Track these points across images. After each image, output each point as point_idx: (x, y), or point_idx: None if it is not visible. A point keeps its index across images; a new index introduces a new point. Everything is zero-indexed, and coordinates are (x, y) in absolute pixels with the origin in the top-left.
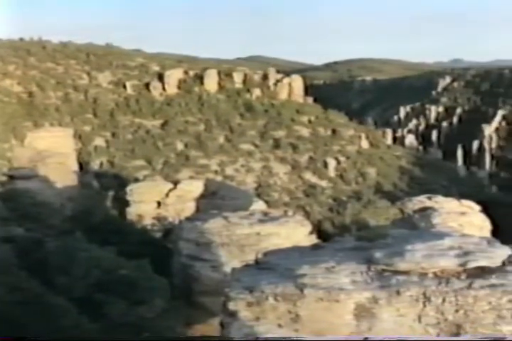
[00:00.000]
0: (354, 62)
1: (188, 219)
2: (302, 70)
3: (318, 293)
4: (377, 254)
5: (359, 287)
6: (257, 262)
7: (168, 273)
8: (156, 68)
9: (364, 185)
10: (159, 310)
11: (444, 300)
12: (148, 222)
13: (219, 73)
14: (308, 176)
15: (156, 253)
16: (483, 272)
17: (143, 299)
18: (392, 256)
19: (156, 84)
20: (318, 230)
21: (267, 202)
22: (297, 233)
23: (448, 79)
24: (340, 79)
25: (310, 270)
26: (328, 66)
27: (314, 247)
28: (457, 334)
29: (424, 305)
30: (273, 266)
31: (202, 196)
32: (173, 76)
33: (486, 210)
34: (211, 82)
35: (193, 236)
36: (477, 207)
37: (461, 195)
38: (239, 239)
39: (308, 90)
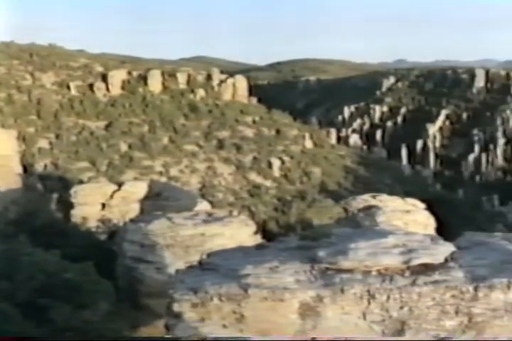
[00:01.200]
0: (298, 63)
1: (132, 220)
2: (246, 71)
3: (262, 293)
4: (321, 253)
5: (303, 286)
6: (200, 263)
7: (113, 276)
8: (100, 69)
9: (308, 184)
10: (104, 314)
11: (388, 298)
12: (92, 224)
13: (163, 74)
14: (253, 176)
15: (101, 255)
16: (426, 269)
17: (87, 303)
18: (335, 255)
19: (99, 85)
20: (263, 230)
21: (211, 202)
22: (241, 233)
23: (392, 79)
24: (284, 79)
25: (254, 270)
26: (271, 66)
27: (258, 247)
28: (402, 331)
29: (369, 303)
30: (217, 267)
31: (146, 197)
32: (117, 77)
33: (431, 208)
34: (155, 82)
35: (137, 237)
36: (421, 205)
37: (405, 194)
38: (183, 240)
39: (252, 90)
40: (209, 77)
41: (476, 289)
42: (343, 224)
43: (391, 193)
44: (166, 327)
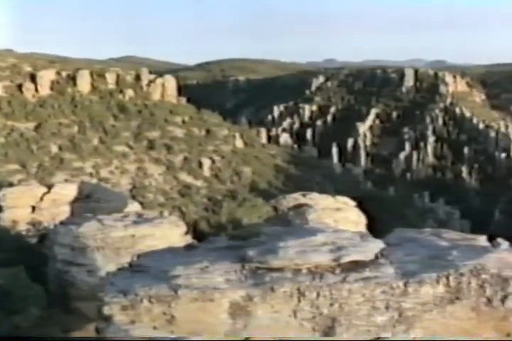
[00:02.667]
0: (227, 62)
1: (62, 223)
2: (175, 70)
3: (192, 294)
4: (251, 252)
5: (233, 286)
6: (130, 265)
7: (44, 280)
8: (28, 69)
9: (239, 184)
10: (35, 319)
11: (318, 295)
12: (22, 227)
13: (91, 74)
14: (183, 176)
15: (32, 259)
16: (357, 266)
17: (18, 308)
18: (265, 254)
19: (28, 86)
20: (194, 230)
21: (142, 203)
22: (172, 234)
23: (321, 79)
24: (213, 79)
25: (184, 271)
26: (200, 66)
27: (188, 248)
28: (332, 327)
29: (299, 301)
30: (147, 268)
31: (77, 199)
32: (46, 77)
33: (362, 206)
34: (84, 82)
35: (68, 240)
36: (352, 203)
37: (336, 192)
38: (114, 242)
39: (181, 90)
40: (138, 77)
41: (406, 284)
42: (273, 223)
43: (322, 191)
44: (97, 330)
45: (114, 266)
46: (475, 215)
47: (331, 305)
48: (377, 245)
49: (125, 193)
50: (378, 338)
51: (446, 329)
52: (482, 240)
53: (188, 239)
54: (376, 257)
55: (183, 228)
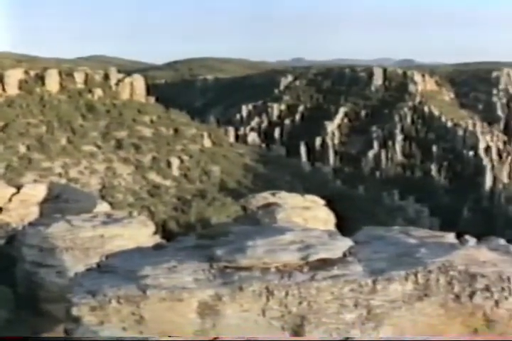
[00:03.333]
0: (195, 61)
1: (31, 224)
2: (143, 70)
3: (161, 294)
4: (219, 252)
5: (202, 285)
6: (99, 265)
7: (12, 282)
8: None
9: (208, 183)
10: (3, 321)
11: (287, 294)
12: None
13: (60, 73)
14: (152, 176)
15: (0, 261)
16: (325, 264)
17: None
18: (233, 253)
19: None
20: (164, 230)
21: (111, 203)
22: (141, 234)
23: (290, 78)
24: (181, 78)
25: (152, 271)
26: (169, 65)
27: (156, 247)
28: (301, 326)
29: (268, 300)
30: (115, 269)
31: (46, 200)
32: (13, 76)
33: (331, 204)
34: (52, 82)
35: (36, 241)
36: (321, 202)
37: (305, 190)
38: (83, 243)
39: (149, 90)
40: (106, 77)
41: (374, 282)
42: (242, 222)
43: (291, 190)
44: (66, 331)
45: (83, 266)
46: (444, 213)
47: (300, 303)
48: (345, 243)
49: (94, 193)
50: (347, 338)
51: (415, 325)
52: (450, 237)
53: (157, 239)
54: (344, 255)
55: (152, 228)
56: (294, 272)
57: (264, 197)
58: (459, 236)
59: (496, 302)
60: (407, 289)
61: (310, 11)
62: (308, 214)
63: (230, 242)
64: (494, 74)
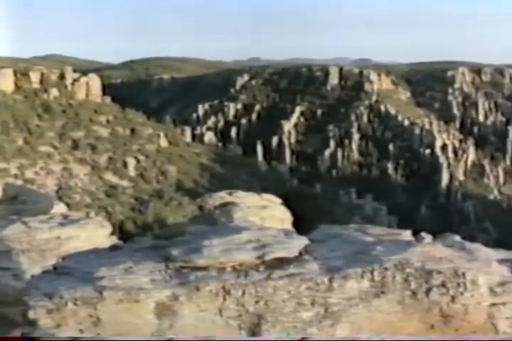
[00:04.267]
0: (151, 61)
1: None
2: (99, 69)
3: (117, 295)
4: (175, 252)
5: (158, 286)
6: (55, 267)
7: None
8: None
9: (165, 183)
10: None
11: (243, 293)
12: None
13: (15, 73)
14: (109, 176)
15: None
16: (281, 263)
17: None
18: (189, 253)
19: None
20: (121, 230)
21: (68, 204)
22: (98, 235)
23: (246, 77)
24: (137, 77)
25: (108, 272)
26: (125, 65)
27: (112, 248)
28: (258, 325)
29: (225, 299)
30: (71, 271)
31: (1, 201)
32: None
33: (288, 203)
34: (7, 81)
35: None
36: (278, 200)
37: (262, 189)
38: (39, 245)
39: (105, 89)
40: (62, 76)
41: (331, 280)
42: (199, 221)
43: (248, 189)
44: (22, 335)
45: (39, 269)
46: (401, 211)
47: (257, 302)
48: (301, 242)
49: (51, 194)
50: (303, 338)
51: (372, 322)
52: (407, 235)
53: (114, 240)
54: (300, 254)
55: (109, 229)
56: (250, 271)
57: (221, 196)
58: (415, 233)
59: (452, 298)
60: (363, 286)
61: (266, 10)
62: (265, 213)
63: (186, 242)
64: (449, 73)
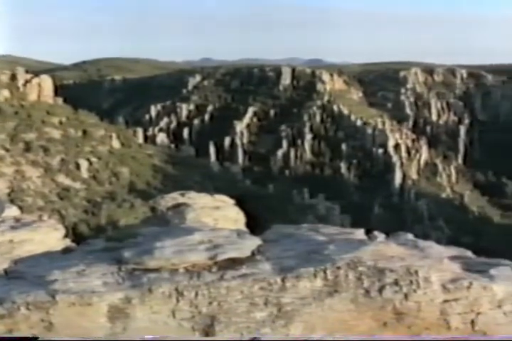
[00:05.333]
0: (103, 62)
1: None
2: (51, 70)
3: (70, 298)
4: (127, 254)
5: (111, 288)
6: (6, 272)
7: None
8: None
9: (118, 185)
10: None
11: (196, 294)
12: None
13: None
14: (62, 179)
15: None
16: (234, 263)
17: None
18: (141, 255)
19: None
20: (74, 233)
21: (20, 207)
22: (50, 238)
23: (198, 78)
24: (89, 78)
25: (60, 275)
26: (77, 65)
27: (65, 251)
28: (212, 326)
29: (178, 301)
30: (23, 275)
31: None
32: None
33: (241, 203)
34: None
35: None
36: (231, 201)
37: (215, 190)
38: None
39: (58, 90)
40: (14, 77)
41: (283, 280)
42: (152, 223)
43: (200, 190)
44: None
45: None
46: (355, 210)
47: (210, 303)
48: (254, 242)
49: (3, 197)
50: (255, 338)
51: (326, 321)
52: (359, 234)
53: (67, 243)
54: (253, 254)
55: (62, 231)
56: (202, 272)
57: (174, 197)
58: (368, 232)
59: (405, 296)
60: (316, 286)
61: (218, 10)
62: (218, 214)
63: (139, 244)
64: (402, 73)
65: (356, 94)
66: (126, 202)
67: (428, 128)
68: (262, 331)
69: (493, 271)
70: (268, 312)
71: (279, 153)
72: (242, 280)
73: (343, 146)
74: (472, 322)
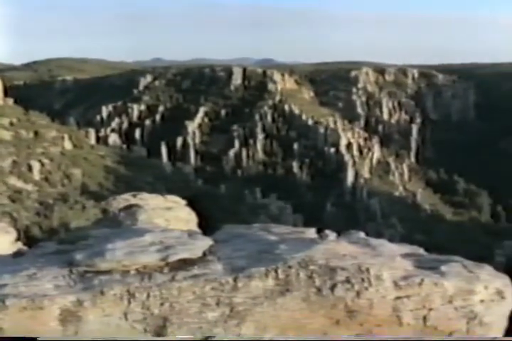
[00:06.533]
0: (54, 62)
1: None
2: (1, 70)
3: (21, 303)
4: (78, 256)
5: (62, 291)
6: None
7: None
8: None
9: (70, 186)
10: None
11: (148, 295)
12: None
13: None
14: (13, 181)
15: None
16: (185, 264)
17: None
18: (92, 257)
19: None
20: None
21: None
22: (2, 241)
23: (149, 78)
24: (40, 79)
25: (11, 279)
26: (27, 66)
27: (15, 255)
28: (164, 327)
29: (129, 302)
30: None
31: None
32: None
33: (193, 204)
34: None
35: None
36: (183, 202)
37: (167, 191)
38: None
39: (7, 91)
40: None
41: (235, 280)
42: (104, 224)
43: (153, 191)
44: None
45: None
46: (307, 209)
47: (162, 304)
48: (205, 242)
49: None
50: (208, 337)
51: (278, 320)
52: (311, 233)
53: (20, 246)
54: (204, 254)
55: (14, 235)
56: (154, 273)
57: (125, 198)
58: (321, 231)
59: (357, 293)
60: (268, 285)
61: (167, 10)
62: (169, 215)
63: (90, 246)
64: (353, 73)
65: (308, 94)
66: (78, 203)
67: (380, 127)
68: (215, 331)
69: (444, 268)
70: (220, 312)
71: (231, 152)
72: (194, 280)
73: (295, 146)
74: (424, 318)
